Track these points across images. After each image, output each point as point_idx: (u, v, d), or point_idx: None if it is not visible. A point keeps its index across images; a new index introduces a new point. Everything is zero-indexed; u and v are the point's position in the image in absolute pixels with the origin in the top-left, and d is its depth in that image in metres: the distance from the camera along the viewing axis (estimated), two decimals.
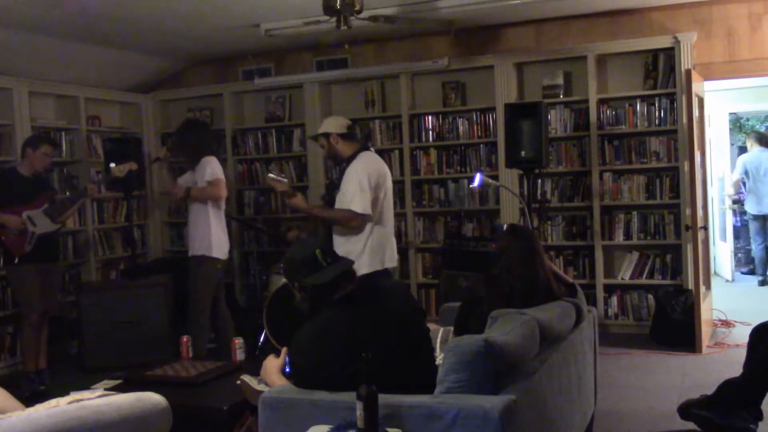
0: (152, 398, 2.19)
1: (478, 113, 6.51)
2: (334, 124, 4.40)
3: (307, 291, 2.66)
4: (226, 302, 5.45)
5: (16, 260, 5.04)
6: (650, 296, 6.06)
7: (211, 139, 5.60)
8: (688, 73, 5.44)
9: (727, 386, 3.72)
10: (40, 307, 5.13)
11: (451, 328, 3.41)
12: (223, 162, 7.24)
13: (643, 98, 6.05)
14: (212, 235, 5.09)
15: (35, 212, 5.07)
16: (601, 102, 6.16)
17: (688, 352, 5.37)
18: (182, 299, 5.34)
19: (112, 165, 5.39)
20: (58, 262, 5.52)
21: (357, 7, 4.83)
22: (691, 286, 5.63)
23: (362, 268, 3.98)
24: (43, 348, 5.25)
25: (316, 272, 2.63)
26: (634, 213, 6.12)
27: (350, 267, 2.73)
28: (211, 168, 5.09)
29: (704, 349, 5.43)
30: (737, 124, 10.97)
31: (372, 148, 4.64)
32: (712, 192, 8.62)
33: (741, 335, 5.67)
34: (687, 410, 3.81)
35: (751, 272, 8.79)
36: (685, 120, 5.59)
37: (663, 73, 6.00)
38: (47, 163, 5.23)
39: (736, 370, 3.78)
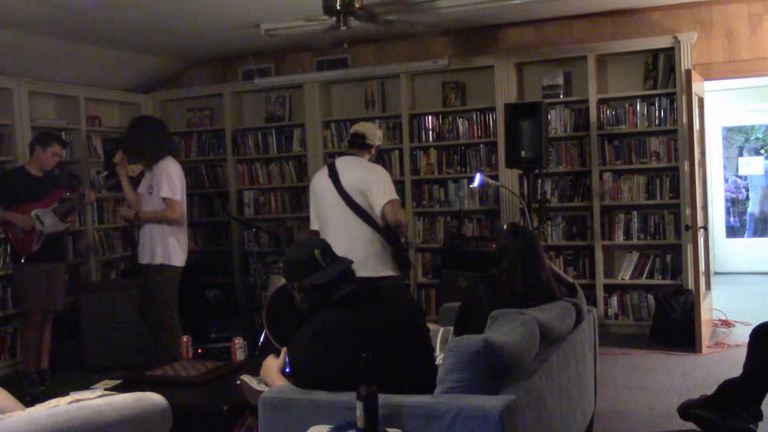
0: (152, 398, 2.19)
1: (478, 113, 6.52)
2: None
3: (306, 291, 2.66)
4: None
5: (23, 259, 5.03)
6: (650, 296, 6.06)
7: (165, 135, 5.09)
8: (688, 73, 5.45)
9: (727, 386, 3.72)
10: (44, 307, 5.13)
11: (451, 328, 3.40)
12: (222, 162, 7.31)
13: (643, 98, 6.05)
14: (169, 244, 4.78)
15: (44, 211, 5.05)
16: (601, 102, 6.16)
17: (688, 352, 5.37)
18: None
19: (107, 172, 5.32)
20: (64, 262, 5.51)
21: (357, 7, 4.83)
22: (691, 286, 5.63)
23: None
24: (46, 348, 5.25)
25: (315, 272, 2.63)
26: (634, 213, 6.12)
27: (349, 267, 2.73)
28: (168, 179, 4.69)
29: (704, 349, 5.43)
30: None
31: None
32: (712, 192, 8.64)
33: (741, 335, 5.68)
34: (687, 410, 3.81)
35: None
36: (685, 120, 5.60)
37: (663, 73, 6.00)
38: (55, 162, 5.22)
39: (736, 370, 3.77)
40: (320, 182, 4.39)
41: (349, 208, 4.20)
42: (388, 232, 4.27)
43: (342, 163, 4.35)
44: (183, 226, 4.88)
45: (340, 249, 4.06)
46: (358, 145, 4.41)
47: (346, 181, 4.24)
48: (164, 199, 4.71)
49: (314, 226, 4.46)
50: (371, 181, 4.23)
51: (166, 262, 4.78)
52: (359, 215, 4.20)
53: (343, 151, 6.71)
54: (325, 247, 2.73)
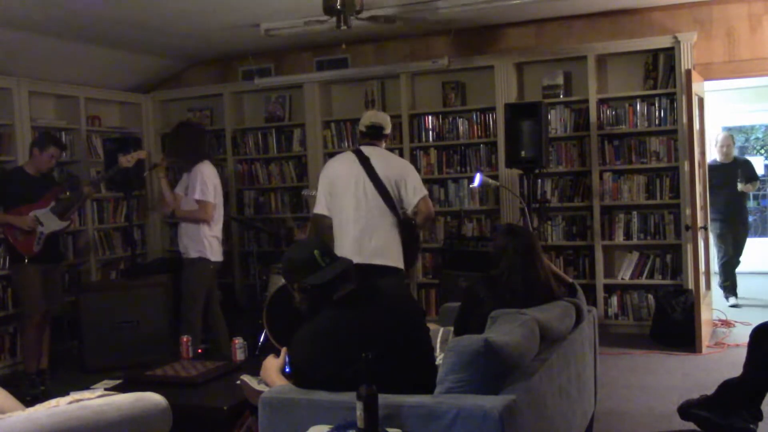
0: (152, 398, 2.19)
1: (478, 113, 6.52)
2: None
3: (306, 291, 2.66)
4: (222, 303, 5.46)
5: (26, 260, 5.03)
6: (650, 296, 6.06)
7: (206, 141, 5.49)
8: (688, 73, 5.45)
9: (727, 386, 3.72)
10: (43, 308, 5.14)
11: (451, 329, 3.40)
12: (222, 162, 7.31)
13: (643, 98, 6.06)
14: (204, 239, 5.06)
15: (42, 211, 5.07)
16: (601, 102, 6.16)
17: (688, 352, 5.37)
18: (180, 300, 5.33)
19: (121, 155, 5.36)
20: (61, 263, 5.52)
21: (357, 7, 4.83)
22: (691, 286, 5.63)
23: None
24: (46, 349, 5.26)
25: (315, 272, 2.63)
26: (634, 213, 6.12)
27: (349, 267, 2.73)
28: (202, 182, 5.01)
29: (704, 349, 5.43)
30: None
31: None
32: None
33: (741, 335, 5.68)
34: (687, 410, 3.81)
35: None
36: (685, 120, 5.60)
37: (663, 73, 6.00)
38: (52, 165, 5.23)
39: (736, 370, 3.78)
40: (347, 169, 4.33)
41: (380, 196, 4.23)
42: (407, 225, 4.34)
43: (372, 153, 4.34)
44: (218, 224, 5.19)
45: (365, 235, 4.21)
46: (376, 136, 4.41)
47: (381, 170, 4.26)
48: (197, 201, 5.03)
49: (323, 210, 4.37)
50: (406, 175, 4.29)
51: (203, 255, 5.07)
52: (388, 204, 4.24)
53: (343, 150, 6.76)
54: (325, 247, 2.73)
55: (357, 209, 4.25)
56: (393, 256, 4.26)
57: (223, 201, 7.29)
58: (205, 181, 5.03)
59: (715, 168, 7.30)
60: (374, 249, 4.19)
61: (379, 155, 4.36)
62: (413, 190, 4.27)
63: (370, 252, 4.19)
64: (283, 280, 4.92)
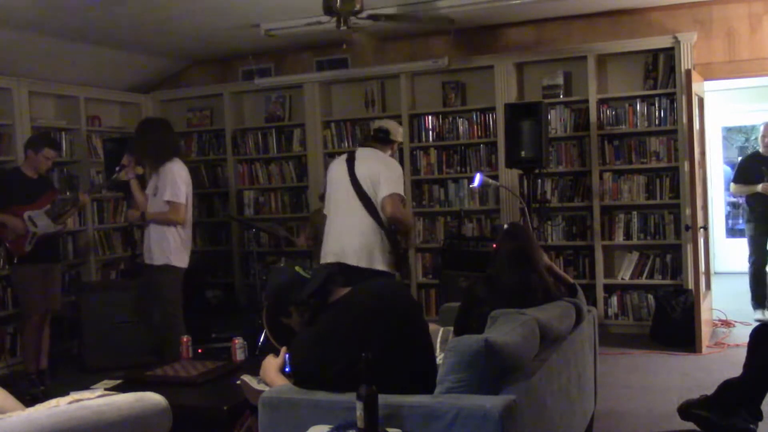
0: (152, 398, 2.19)
1: (478, 113, 6.52)
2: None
3: (304, 304, 2.67)
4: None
5: (16, 260, 5.04)
6: (650, 296, 6.06)
7: (173, 138, 5.18)
8: (688, 73, 5.45)
9: (727, 386, 3.72)
10: (42, 308, 5.14)
11: (451, 328, 3.40)
12: (222, 162, 7.31)
13: (643, 98, 6.06)
14: (172, 245, 4.81)
15: (37, 212, 5.07)
16: (601, 102, 6.16)
17: (688, 352, 5.37)
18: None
19: (117, 168, 5.29)
20: (59, 263, 5.52)
21: (357, 7, 4.83)
22: (691, 286, 5.63)
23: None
24: (45, 348, 5.26)
25: (304, 286, 2.66)
26: (634, 213, 6.12)
27: (333, 269, 2.76)
28: (172, 181, 4.74)
29: (704, 349, 5.43)
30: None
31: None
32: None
33: (741, 335, 5.68)
34: (687, 410, 3.81)
35: None
36: (685, 120, 5.60)
37: (663, 73, 6.00)
38: (48, 166, 5.23)
39: (736, 370, 3.77)
40: (336, 168, 4.44)
41: (356, 196, 4.23)
42: (390, 227, 4.28)
43: (361, 153, 4.41)
44: (187, 227, 4.91)
45: (340, 235, 4.20)
46: (381, 139, 4.48)
47: (360, 170, 4.28)
48: (168, 202, 4.76)
49: (327, 210, 4.47)
50: (381, 172, 4.25)
51: (168, 262, 4.81)
52: (365, 205, 4.22)
53: (343, 150, 6.78)
54: (301, 264, 2.78)
55: (336, 211, 4.33)
56: (363, 258, 4.19)
57: (225, 201, 7.38)
58: (176, 181, 4.75)
59: (753, 159, 6.72)
60: (349, 250, 4.17)
61: (366, 156, 4.35)
62: (382, 187, 4.20)
63: (345, 253, 4.18)
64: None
